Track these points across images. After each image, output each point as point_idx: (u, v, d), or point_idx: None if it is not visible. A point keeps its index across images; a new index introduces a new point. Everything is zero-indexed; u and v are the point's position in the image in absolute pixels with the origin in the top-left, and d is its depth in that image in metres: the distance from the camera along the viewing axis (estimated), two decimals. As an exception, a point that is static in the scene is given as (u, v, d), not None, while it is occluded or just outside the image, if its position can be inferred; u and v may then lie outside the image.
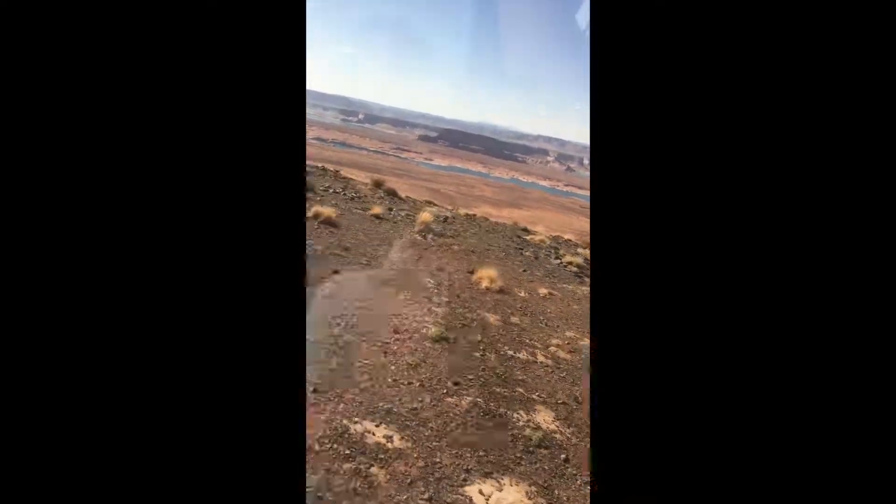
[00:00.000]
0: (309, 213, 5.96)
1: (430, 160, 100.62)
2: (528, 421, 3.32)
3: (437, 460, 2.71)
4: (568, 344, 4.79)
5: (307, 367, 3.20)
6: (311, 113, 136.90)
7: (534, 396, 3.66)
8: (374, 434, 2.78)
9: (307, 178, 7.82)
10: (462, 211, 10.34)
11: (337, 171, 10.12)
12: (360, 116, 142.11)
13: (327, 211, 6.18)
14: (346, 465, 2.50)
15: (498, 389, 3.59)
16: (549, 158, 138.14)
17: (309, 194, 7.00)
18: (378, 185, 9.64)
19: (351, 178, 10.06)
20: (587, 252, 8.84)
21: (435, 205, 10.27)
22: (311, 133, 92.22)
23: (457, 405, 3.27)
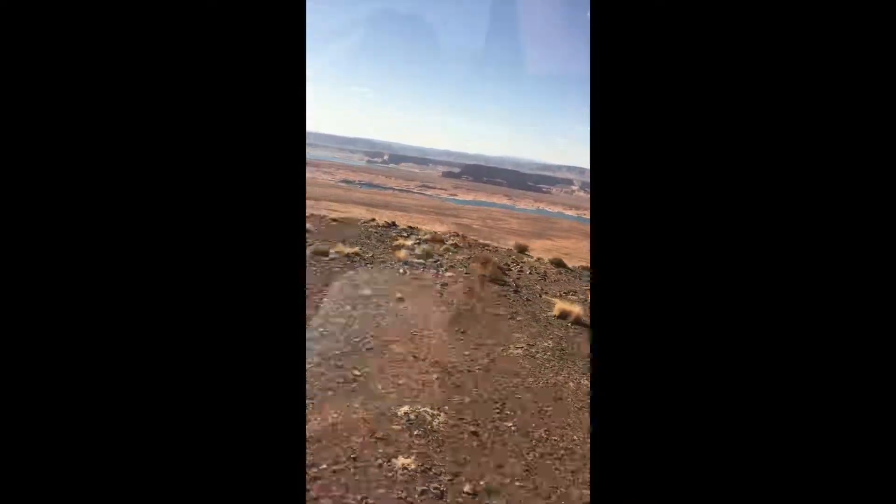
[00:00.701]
0: (553, 312, 5.10)
1: (455, 195, 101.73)
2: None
3: None
4: None
5: None
6: (337, 156, 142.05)
7: None
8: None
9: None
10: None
11: (465, 237, 9.51)
12: (385, 157, 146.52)
13: (576, 309, 5.14)
14: None
15: None
16: (573, 187, 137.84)
17: (510, 284, 5.99)
18: (522, 250, 8.96)
19: (495, 245, 9.41)
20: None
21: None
22: (338, 175, 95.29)
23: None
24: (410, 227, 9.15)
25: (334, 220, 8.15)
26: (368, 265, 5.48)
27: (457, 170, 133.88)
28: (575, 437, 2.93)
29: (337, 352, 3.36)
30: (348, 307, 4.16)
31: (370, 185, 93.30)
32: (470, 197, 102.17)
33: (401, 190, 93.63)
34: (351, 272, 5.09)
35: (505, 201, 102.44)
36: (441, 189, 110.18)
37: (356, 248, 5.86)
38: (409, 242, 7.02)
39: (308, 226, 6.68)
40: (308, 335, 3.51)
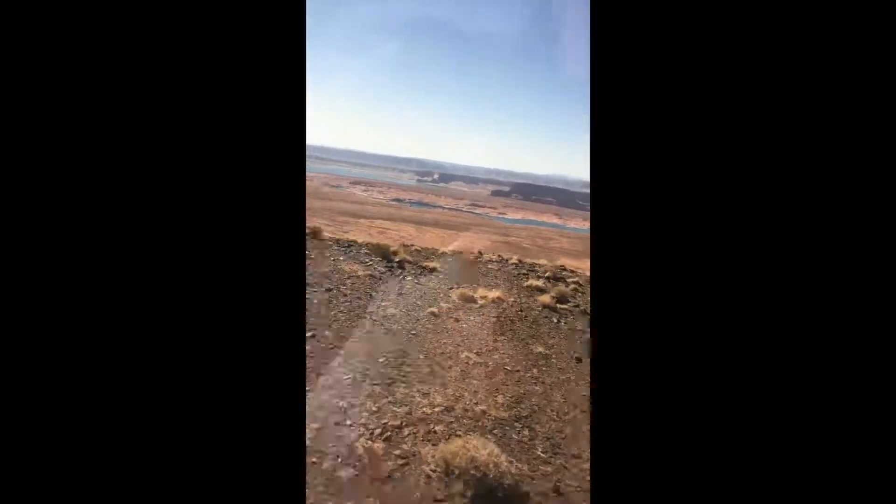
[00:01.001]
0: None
1: (504, 214, 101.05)
2: None
3: None
4: None
5: None
6: (388, 175, 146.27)
7: None
8: None
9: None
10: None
11: (574, 270, 8.98)
12: (435, 176, 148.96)
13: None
14: None
15: None
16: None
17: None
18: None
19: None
20: None
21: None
22: (389, 194, 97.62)
23: None
24: (521, 260, 8.78)
25: (449, 253, 7.97)
26: (520, 312, 5.13)
27: (506, 188, 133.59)
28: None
29: (560, 434, 2.98)
30: (535, 370, 3.80)
31: (420, 203, 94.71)
32: (519, 216, 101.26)
33: (450, 209, 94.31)
34: (510, 322, 4.76)
35: (555, 220, 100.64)
36: (490, 207, 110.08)
37: (499, 293, 5.55)
38: (538, 283, 6.66)
39: (435, 264, 6.49)
40: (509, 414, 3.16)
